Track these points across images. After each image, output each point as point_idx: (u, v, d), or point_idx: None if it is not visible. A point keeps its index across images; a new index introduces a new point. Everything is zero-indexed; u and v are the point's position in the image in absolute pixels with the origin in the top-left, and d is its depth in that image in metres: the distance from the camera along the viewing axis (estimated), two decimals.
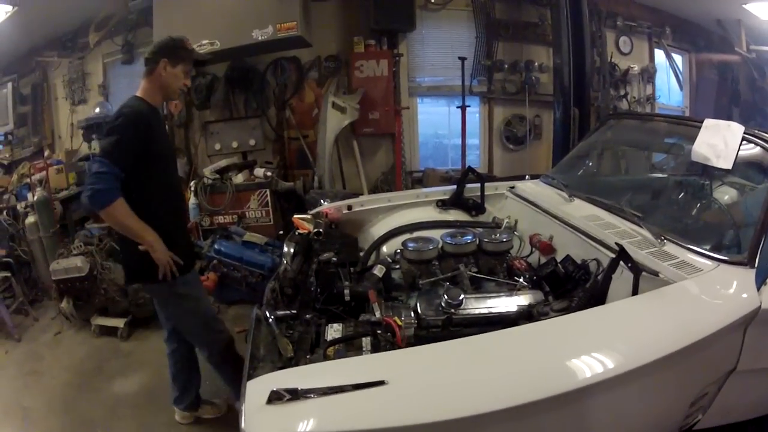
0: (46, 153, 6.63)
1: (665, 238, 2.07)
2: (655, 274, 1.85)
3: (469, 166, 3.29)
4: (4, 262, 5.24)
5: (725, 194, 2.55)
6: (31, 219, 5.53)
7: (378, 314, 1.94)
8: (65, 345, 4.81)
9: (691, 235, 2.15)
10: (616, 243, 1.84)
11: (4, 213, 5.80)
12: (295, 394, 1.40)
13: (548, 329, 1.66)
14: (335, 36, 5.66)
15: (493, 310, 2.00)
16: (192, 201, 5.17)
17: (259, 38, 4.72)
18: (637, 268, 1.77)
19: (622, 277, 1.85)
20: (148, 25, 5.52)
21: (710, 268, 1.87)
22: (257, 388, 1.45)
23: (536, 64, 5.72)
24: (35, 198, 5.54)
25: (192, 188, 5.19)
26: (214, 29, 4.81)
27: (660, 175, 3.08)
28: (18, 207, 5.77)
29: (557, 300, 2.05)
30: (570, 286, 2.09)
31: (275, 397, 1.39)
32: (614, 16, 5.82)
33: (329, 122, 5.02)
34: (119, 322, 4.72)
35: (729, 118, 2.44)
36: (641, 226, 2.18)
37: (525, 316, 1.96)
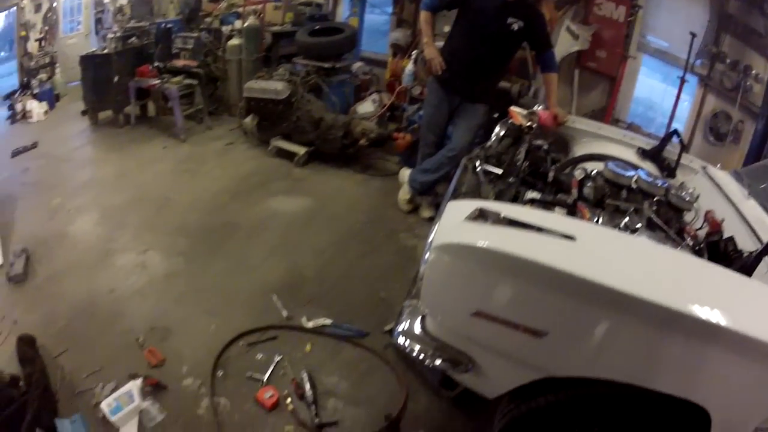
0: None
1: None
2: None
3: (675, 129, 3.35)
4: (193, 72, 5.36)
5: None
6: (234, 42, 5.61)
7: (574, 197, 2.21)
8: (234, 156, 4.80)
9: None
10: None
11: (204, 32, 5.97)
12: (497, 218, 1.45)
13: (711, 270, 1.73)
14: None
15: None
16: (409, 67, 5.40)
17: None
18: None
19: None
20: None
21: None
22: (456, 208, 1.53)
23: (753, 72, 5.44)
24: (245, 24, 5.57)
25: (413, 56, 5.40)
26: None
27: None
28: (222, 29, 5.90)
29: None
30: (723, 265, 2.19)
31: (478, 215, 1.46)
32: None
33: (559, 44, 5.28)
34: (300, 149, 4.71)
35: None
36: None
37: None
